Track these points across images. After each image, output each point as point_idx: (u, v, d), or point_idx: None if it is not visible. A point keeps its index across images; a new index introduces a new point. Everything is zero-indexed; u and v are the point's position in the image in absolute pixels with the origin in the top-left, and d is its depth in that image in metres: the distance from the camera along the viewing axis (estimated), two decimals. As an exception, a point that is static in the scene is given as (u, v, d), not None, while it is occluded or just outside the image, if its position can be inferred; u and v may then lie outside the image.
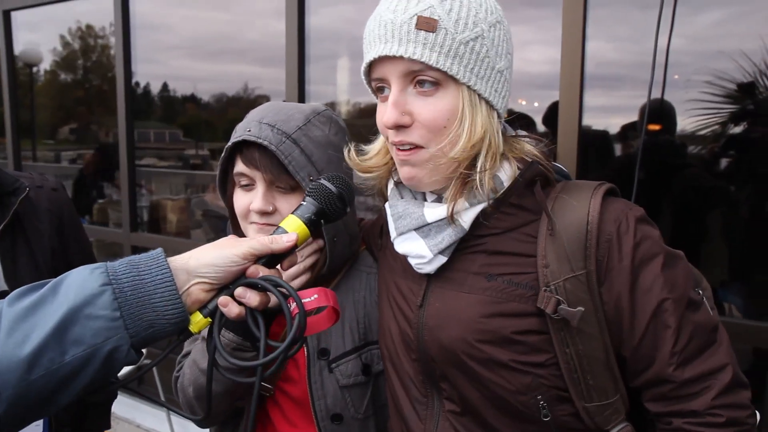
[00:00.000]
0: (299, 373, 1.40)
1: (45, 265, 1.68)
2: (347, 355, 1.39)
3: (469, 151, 1.08)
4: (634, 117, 2.57)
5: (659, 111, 2.36)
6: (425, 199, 1.21)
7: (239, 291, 1.00)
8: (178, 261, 0.97)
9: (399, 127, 1.10)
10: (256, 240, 1.03)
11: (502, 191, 1.13)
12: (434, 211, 1.14)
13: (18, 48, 5.05)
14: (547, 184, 1.18)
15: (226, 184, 1.40)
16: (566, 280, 1.08)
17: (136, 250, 4.33)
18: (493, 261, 1.15)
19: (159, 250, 0.97)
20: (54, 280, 0.92)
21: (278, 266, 1.08)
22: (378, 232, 1.46)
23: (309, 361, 1.38)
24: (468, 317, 1.14)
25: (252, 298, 1.00)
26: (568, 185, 1.18)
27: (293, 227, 1.07)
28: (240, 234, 1.37)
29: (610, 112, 2.63)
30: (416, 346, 1.22)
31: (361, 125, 3.50)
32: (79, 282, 0.90)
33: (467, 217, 1.13)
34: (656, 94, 2.19)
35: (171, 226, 4.57)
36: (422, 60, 1.03)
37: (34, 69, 5.43)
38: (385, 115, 1.09)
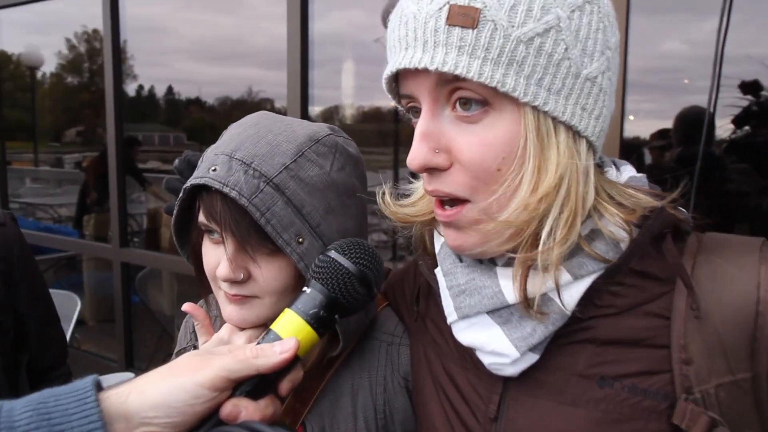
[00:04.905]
0: None
1: None
2: None
3: (533, 209, 0.69)
4: (655, 124, 2.36)
5: (700, 119, 2.13)
6: (494, 262, 0.80)
7: None
8: (112, 400, 0.62)
9: (432, 170, 0.74)
10: (232, 356, 0.66)
11: (617, 255, 0.75)
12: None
13: (15, 50, 4.81)
14: (678, 238, 0.79)
15: (189, 230, 1.00)
16: (720, 386, 0.71)
17: (127, 268, 3.92)
18: (605, 356, 0.76)
19: (89, 381, 0.63)
20: None
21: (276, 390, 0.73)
22: (413, 295, 1.02)
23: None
24: None
25: None
26: (714, 241, 0.79)
27: (292, 329, 0.72)
28: (209, 292, 1.00)
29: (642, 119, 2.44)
30: None
31: (369, 130, 3.28)
32: None
33: (570, 297, 0.74)
34: (696, 100, 1.95)
35: (166, 242, 4.15)
36: (457, 72, 0.67)
37: (39, 72, 5.19)
38: (411, 151, 0.73)
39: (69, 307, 2.93)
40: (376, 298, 1.08)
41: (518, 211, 0.69)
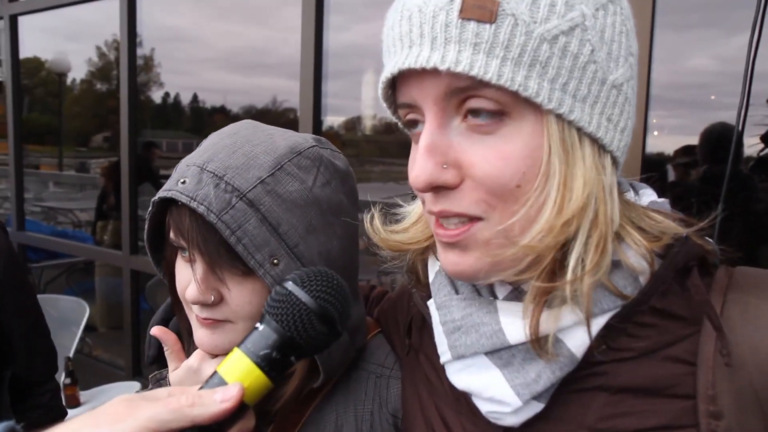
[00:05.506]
0: None
1: None
2: None
3: (558, 232, 0.59)
4: (680, 140, 2.26)
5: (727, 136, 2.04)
6: (494, 294, 0.71)
7: None
8: None
9: (439, 189, 0.63)
10: (163, 403, 0.56)
11: (636, 290, 0.65)
12: (519, 323, 0.65)
13: (48, 56, 4.89)
14: (705, 272, 0.69)
15: (163, 246, 0.92)
16: None
17: (137, 275, 3.88)
18: (620, 406, 0.65)
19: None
20: None
21: None
22: (405, 326, 0.92)
23: None
24: None
25: None
26: (746, 277, 0.68)
27: (238, 373, 0.61)
28: (183, 315, 0.91)
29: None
30: None
31: (392, 142, 3.20)
32: None
33: (579, 339, 0.64)
34: (723, 117, 1.85)
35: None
36: (473, 73, 0.57)
37: (69, 79, 5.26)
38: (414, 167, 0.63)
39: (78, 313, 2.90)
40: (369, 323, 1.00)
41: (542, 235, 0.59)
